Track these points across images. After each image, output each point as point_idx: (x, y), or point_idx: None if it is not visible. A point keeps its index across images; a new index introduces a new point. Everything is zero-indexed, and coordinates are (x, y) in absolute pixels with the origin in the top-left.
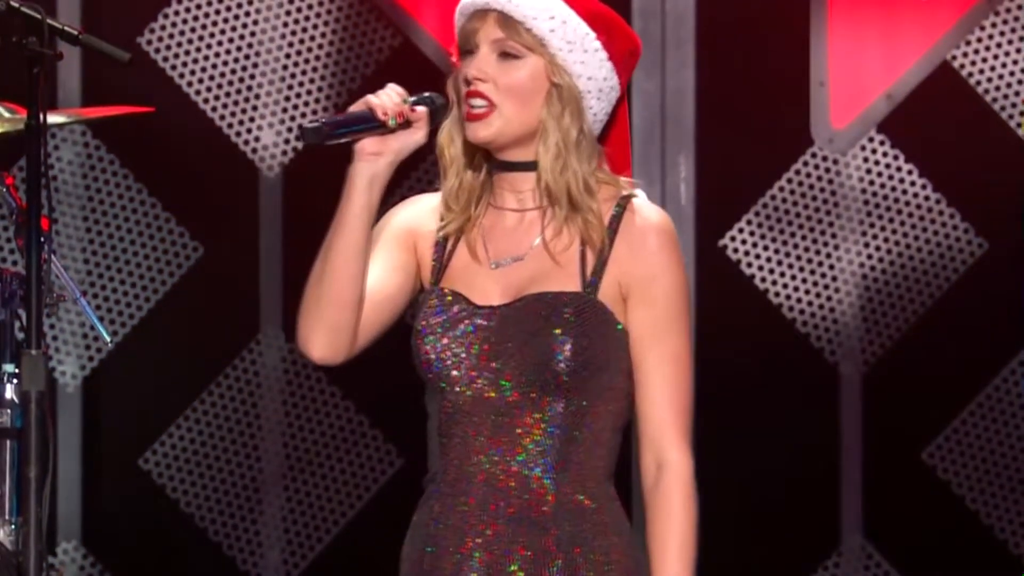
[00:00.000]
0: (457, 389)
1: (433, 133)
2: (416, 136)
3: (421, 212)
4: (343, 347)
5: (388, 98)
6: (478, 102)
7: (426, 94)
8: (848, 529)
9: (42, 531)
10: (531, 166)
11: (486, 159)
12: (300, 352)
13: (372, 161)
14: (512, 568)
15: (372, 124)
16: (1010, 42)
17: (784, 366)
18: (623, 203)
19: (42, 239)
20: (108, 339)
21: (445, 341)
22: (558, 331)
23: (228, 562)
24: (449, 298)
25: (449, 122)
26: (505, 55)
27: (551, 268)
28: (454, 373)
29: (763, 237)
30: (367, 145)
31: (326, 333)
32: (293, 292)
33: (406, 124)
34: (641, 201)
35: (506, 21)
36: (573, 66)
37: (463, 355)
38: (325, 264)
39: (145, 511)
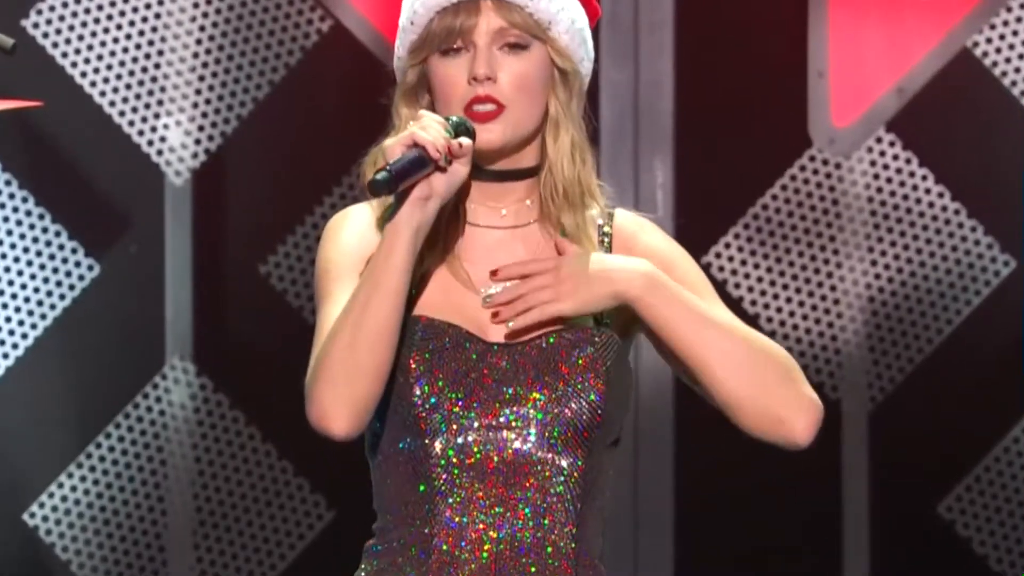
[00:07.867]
0: (458, 440)
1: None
2: (462, 172)
3: (366, 231)
4: (367, 419)
5: (436, 132)
6: (486, 106)
7: (454, 119)
8: None
9: None
10: (528, 173)
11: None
12: (314, 427)
13: (422, 206)
14: None
15: (428, 165)
16: None
17: None
18: (609, 221)
19: None
20: None
21: (444, 382)
22: (586, 379)
23: None
24: (448, 331)
25: None
26: (509, 47)
27: None
28: (456, 421)
29: (753, 253)
30: (418, 190)
31: (355, 408)
32: (204, 318)
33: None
34: (622, 212)
35: (507, 8)
36: (577, 48)
37: (469, 401)
38: (360, 329)
39: (31, 573)
